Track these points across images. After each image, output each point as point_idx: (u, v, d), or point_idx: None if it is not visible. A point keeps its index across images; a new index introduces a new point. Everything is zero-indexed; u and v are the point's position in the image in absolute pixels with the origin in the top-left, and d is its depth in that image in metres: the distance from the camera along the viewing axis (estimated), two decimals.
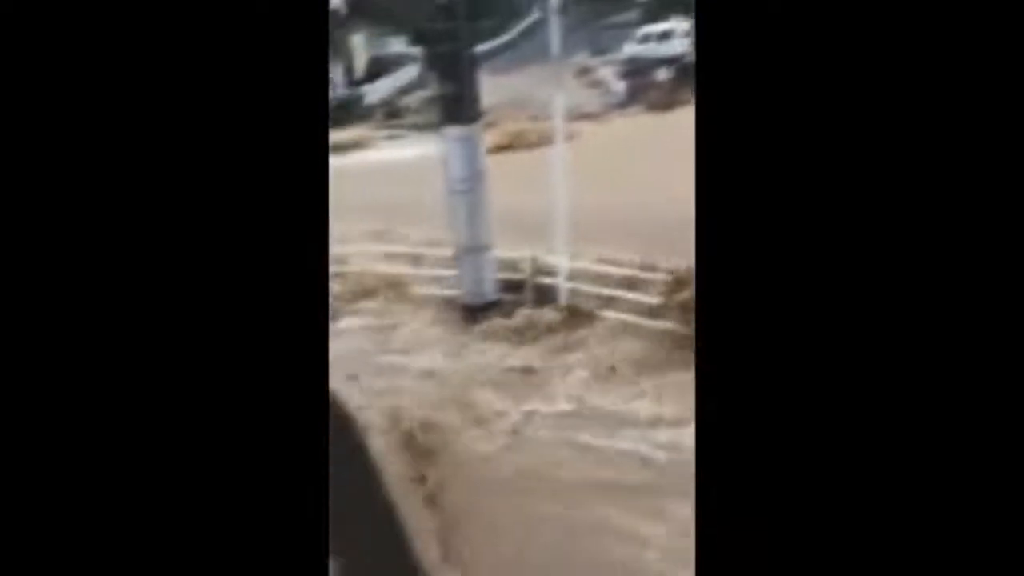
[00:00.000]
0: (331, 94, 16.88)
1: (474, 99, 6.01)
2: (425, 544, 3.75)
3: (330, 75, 17.45)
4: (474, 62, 6.05)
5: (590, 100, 16.73)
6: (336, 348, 6.12)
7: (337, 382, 4.82)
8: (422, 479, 4.36)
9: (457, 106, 5.94)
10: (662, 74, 17.25)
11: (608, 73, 18.78)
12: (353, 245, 7.92)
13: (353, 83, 18.06)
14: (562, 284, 6.40)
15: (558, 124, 6.07)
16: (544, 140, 9.55)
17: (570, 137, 6.94)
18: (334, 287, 7.17)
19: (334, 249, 7.67)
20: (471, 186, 6.12)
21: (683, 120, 9.00)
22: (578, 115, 13.20)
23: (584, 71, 18.73)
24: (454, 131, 6.00)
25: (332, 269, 7.29)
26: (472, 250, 6.35)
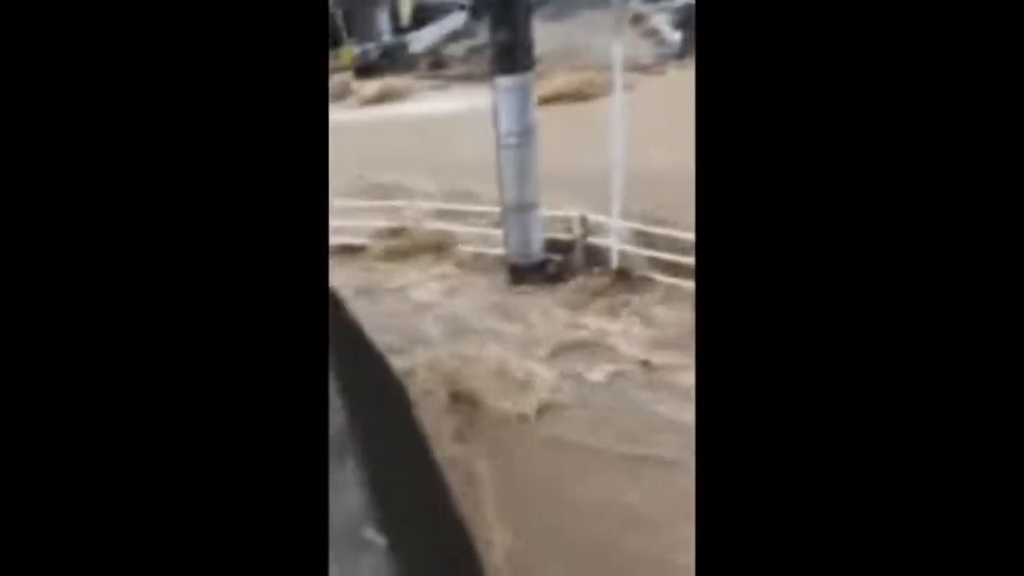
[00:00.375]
0: (377, 42, 16.60)
1: (527, 47, 5.67)
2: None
3: (375, 23, 17.16)
4: (528, 8, 5.71)
5: (643, 50, 16.02)
6: (372, 308, 6.05)
7: (383, 345, 4.74)
8: (459, 437, 4.33)
9: (509, 55, 5.61)
10: None
11: (662, 21, 17.95)
12: (395, 199, 7.77)
13: (399, 31, 17.69)
14: (613, 245, 6.15)
15: (616, 75, 5.70)
16: (596, 92, 9.14)
17: (624, 89, 6.59)
18: (370, 244, 7.05)
19: (373, 204, 7.55)
20: (522, 140, 5.83)
21: None
22: (631, 66, 12.63)
23: (637, 19, 17.90)
24: (506, 81, 5.67)
25: (369, 224, 7.17)
26: (520, 208, 6.11)
